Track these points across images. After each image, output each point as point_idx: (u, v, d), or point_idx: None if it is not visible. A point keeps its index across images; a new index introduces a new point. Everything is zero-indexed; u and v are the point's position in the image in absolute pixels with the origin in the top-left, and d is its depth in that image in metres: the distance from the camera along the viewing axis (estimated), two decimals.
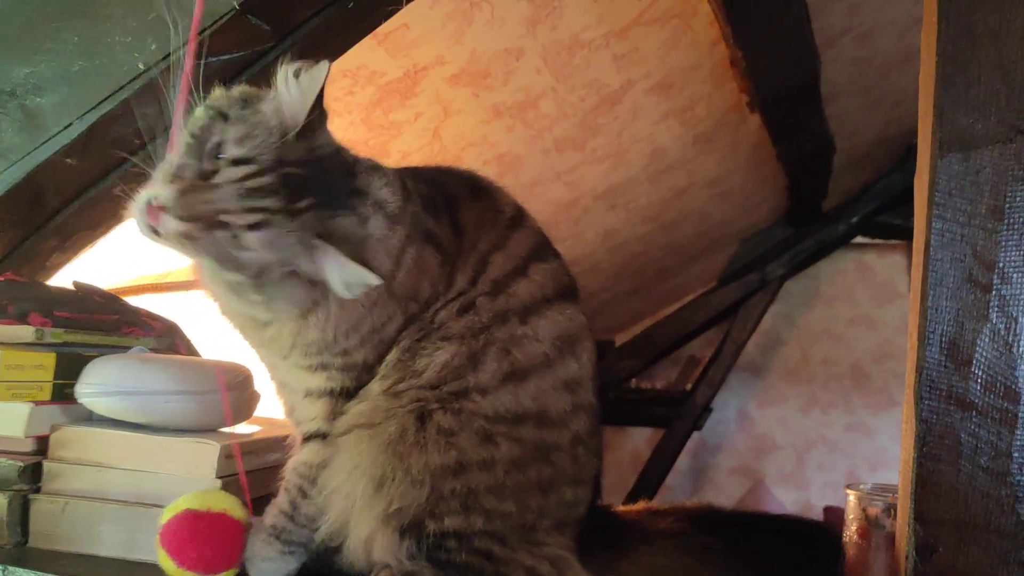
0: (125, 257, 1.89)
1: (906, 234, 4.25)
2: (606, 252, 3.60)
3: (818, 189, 3.88)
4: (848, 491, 1.13)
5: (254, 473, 1.20)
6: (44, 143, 1.23)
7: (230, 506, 1.07)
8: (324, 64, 0.95)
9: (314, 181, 0.96)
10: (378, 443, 1.03)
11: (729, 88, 2.76)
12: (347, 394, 1.08)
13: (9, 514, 1.14)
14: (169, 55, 1.13)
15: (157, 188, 0.92)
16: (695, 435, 4.71)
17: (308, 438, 1.11)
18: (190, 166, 0.93)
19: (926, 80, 0.98)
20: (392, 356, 1.07)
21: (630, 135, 2.83)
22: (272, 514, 1.10)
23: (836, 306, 4.66)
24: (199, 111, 0.97)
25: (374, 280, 0.95)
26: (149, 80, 1.15)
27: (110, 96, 1.20)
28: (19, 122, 1.22)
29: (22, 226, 1.34)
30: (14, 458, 1.16)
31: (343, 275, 0.95)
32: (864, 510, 1.09)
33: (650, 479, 4.55)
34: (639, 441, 4.85)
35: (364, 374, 1.07)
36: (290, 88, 0.95)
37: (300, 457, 1.10)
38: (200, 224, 0.90)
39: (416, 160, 2.51)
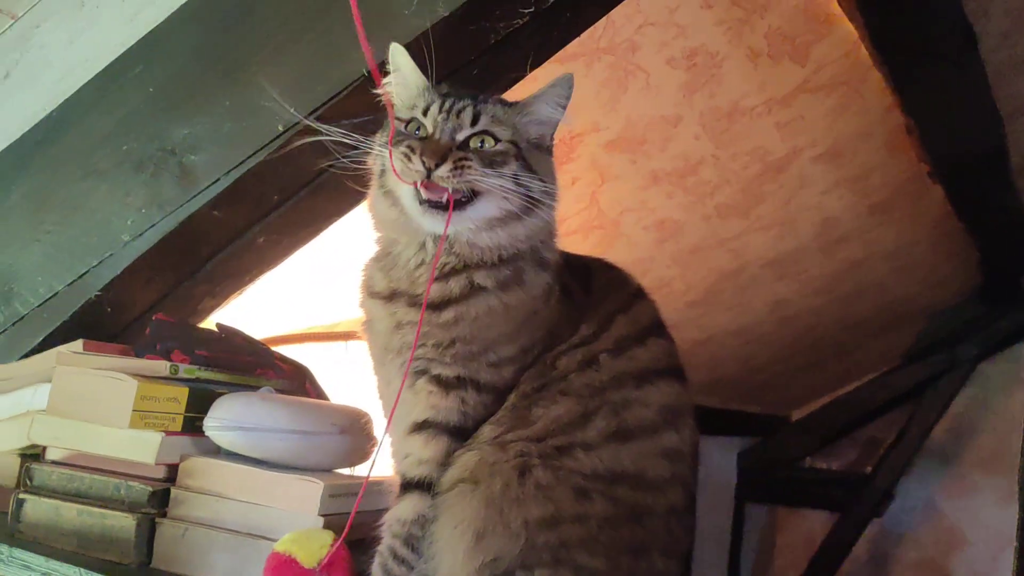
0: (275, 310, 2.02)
1: None
2: (775, 323, 3.49)
3: (1015, 264, 3.61)
4: None
5: (360, 515, 1.24)
6: (195, 196, 1.35)
7: (300, 551, 1.11)
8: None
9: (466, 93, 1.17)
10: (480, 499, 1.05)
11: (907, 157, 2.65)
12: (464, 435, 1.11)
13: (137, 535, 1.23)
14: (308, 115, 1.23)
15: (409, 172, 1.07)
16: (875, 522, 4.42)
17: (409, 486, 1.13)
18: (408, 140, 1.10)
19: None
20: (511, 399, 1.11)
21: (797, 204, 2.76)
22: None
23: None
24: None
25: (569, 76, 1.14)
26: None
27: (253, 154, 1.31)
28: (176, 177, 1.35)
29: (175, 271, 1.47)
30: (145, 483, 1.26)
31: (551, 96, 1.14)
32: None
33: (823, 566, 4.31)
34: (814, 524, 4.60)
35: (494, 404, 1.11)
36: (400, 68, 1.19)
37: (395, 513, 1.13)
38: (453, 153, 1.07)
39: (574, 224, 2.55)
